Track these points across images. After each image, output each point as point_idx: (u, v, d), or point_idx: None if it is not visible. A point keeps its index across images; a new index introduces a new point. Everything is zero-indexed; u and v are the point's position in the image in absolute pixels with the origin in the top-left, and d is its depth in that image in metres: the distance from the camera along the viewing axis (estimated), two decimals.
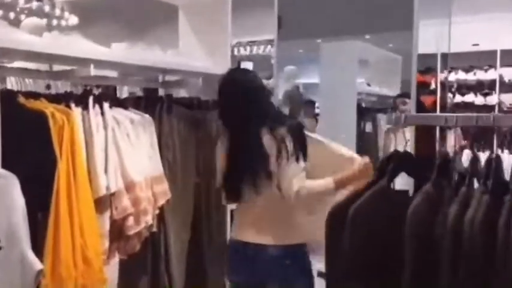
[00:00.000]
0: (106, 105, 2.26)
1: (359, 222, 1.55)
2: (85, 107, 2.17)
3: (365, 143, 4.62)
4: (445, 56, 4.44)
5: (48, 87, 2.41)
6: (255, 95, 2.21)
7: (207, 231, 2.84)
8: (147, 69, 2.69)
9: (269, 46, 7.01)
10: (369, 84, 5.03)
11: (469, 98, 6.39)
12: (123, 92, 4.00)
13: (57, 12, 6.40)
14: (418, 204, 1.45)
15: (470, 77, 6.41)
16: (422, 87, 4.06)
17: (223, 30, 3.08)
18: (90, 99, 2.19)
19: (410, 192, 1.60)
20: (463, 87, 6.44)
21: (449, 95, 5.37)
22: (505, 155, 1.63)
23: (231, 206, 2.59)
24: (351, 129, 4.44)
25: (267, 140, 2.12)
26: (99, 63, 2.31)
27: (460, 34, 4.22)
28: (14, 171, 1.79)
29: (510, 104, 6.09)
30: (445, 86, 4.60)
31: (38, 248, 1.86)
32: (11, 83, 2.69)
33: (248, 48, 7.30)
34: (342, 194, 1.95)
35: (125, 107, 2.43)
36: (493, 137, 1.82)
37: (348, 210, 1.58)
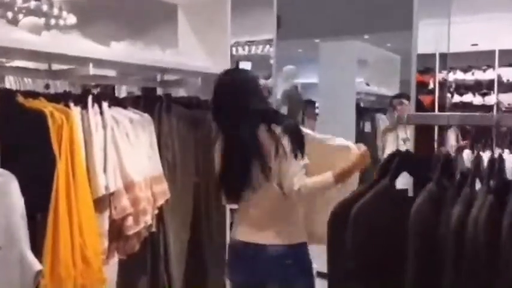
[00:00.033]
0: (105, 104, 2.25)
1: (361, 221, 1.54)
2: (84, 107, 2.17)
3: (364, 143, 4.60)
4: (444, 56, 4.44)
5: (47, 86, 2.40)
6: (250, 95, 2.20)
7: (206, 231, 2.83)
8: (146, 68, 2.68)
9: (267, 46, 7.02)
10: (367, 84, 5.03)
11: (468, 98, 6.39)
12: (122, 92, 4.00)
13: (55, 11, 6.39)
14: (421, 203, 1.44)
15: (469, 77, 6.41)
16: (421, 87, 4.06)
17: (222, 30, 3.08)
18: (89, 99, 2.19)
19: (410, 192, 1.60)
20: (462, 87, 6.45)
21: (448, 95, 5.36)
22: (505, 155, 1.62)
23: (231, 206, 2.59)
24: (350, 129, 4.43)
25: (265, 139, 2.12)
26: (98, 62, 2.30)
27: (458, 34, 4.23)
28: (13, 170, 1.78)
29: (508, 104, 6.09)
30: (445, 86, 4.60)
31: (37, 248, 1.85)
32: (10, 82, 2.69)
33: (246, 48, 7.30)
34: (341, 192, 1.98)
35: (124, 107, 2.42)
36: (492, 136, 1.83)
37: (351, 210, 1.57)
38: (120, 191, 2.21)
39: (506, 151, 1.69)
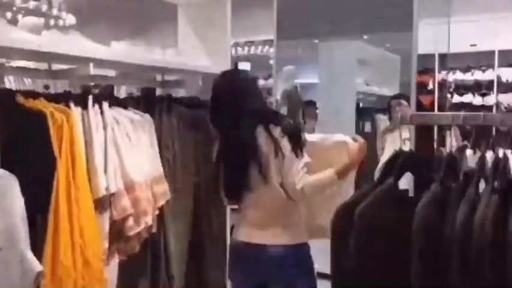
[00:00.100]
0: (105, 104, 2.24)
1: (366, 221, 1.54)
2: (84, 107, 2.15)
3: None
4: (443, 57, 4.44)
5: (46, 87, 2.39)
6: (249, 95, 2.20)
7: (207, 232, 2.82)
8: (146, 68, 2.67)
9: (267, 46, 7.02)
10: (367, 84, 5.02)
11: (467, 98, 6.40)
12: (121, 93, 3.98)
13: (55, 11, 6.36)
14: (426, 203, 1.44)
15: (468, 77, 6.41)
16: (420, 87, 4.06)
17: (222, 30, 3.07)
18: (90, 99, 2.18)
19: (411, 192, 1.60)
20: (461, 88, 6.45)
21: (447, 95, 5.36)
22: (507, 155, 1.62)
23: (232, 206, 2.58)
24: (350, 129, 4.42)
25: (264, 139, 2.11)
26: (99, 62, 2.29)
27: (458, 34, 4.23)
28: (13, 171, 1.77)
29: (508, 104, 6.09)
30: (444, 86, 4.60)
31: (37, 248, 1.84)
32: (10, 82, 2.68)
33: (246, 48, 7.31)
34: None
35: (125, 107, 2.41)
36: (493, 136, 1.82)
37: (355, 210, 1.57)
38: (120, 191, 2.20)
39: (509, 151, 1.68)
